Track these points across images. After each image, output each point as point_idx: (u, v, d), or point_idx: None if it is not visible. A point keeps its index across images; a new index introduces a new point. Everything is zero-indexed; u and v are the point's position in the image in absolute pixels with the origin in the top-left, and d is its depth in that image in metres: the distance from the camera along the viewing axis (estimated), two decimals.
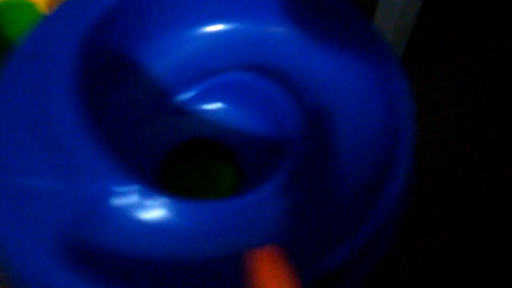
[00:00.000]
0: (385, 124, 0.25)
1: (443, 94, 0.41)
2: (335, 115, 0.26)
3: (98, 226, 0.23)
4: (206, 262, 0.22)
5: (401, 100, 0.24)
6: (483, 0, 0.44)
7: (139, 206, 0.23)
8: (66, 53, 0.25)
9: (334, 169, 0.24)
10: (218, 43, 0.29)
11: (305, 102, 0.27)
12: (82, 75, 0.26)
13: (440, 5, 0.45)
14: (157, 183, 0.27)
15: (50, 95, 0.24)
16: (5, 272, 0.22)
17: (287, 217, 0.23)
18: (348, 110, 0.26)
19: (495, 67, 0.41)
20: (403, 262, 0.34)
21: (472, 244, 0.34)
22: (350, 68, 0.27)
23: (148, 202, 0.23)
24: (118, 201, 0.23)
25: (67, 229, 0.22)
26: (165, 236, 0.23)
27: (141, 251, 0.22)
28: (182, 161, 0.28)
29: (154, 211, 0.23)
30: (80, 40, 0.26)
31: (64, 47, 0.26)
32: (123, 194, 0.23)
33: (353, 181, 0.24)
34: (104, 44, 0.27)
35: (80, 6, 0.27)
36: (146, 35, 0.28)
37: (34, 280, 0.21)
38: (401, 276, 0.33)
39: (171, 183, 0.28)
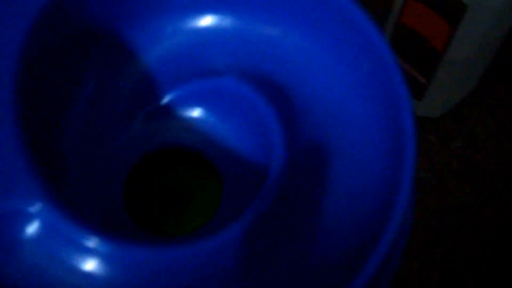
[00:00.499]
0: (385, 172, 0.21)
1: None
2: (329, 151, 0.22)
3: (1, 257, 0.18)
4: None
5: (408, 149, 0.20)
6: None
7: (57, 235, 0.18)
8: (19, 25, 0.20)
9: (317, 219, 0.21)
10: (208, 40, 0.25)
11: (297, 127, 0.23)
12: (32, 59, 0.21)
13: None
14: (120, 196, 0.22)
15: None
16: None
17: (250, 271, 0.19)
18: (345, 147, 0.22)
19: None
20: None
21: None
22: (354, 95, 0.23)
23: (66, 231, 0.18)
24: (30, 227, 0.18)
25: None
26: (86, 280, 0.18)
27: None
28: (157, 170, 0.25)
29: (75, 245, 0.18)
30: (40, 12, 0.21)
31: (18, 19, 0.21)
32: (35, 216, 0.18)
33: (339, 237, 0.20)
34: (70, 26, 0.22)
35: None
36: (125, 25, 0.24)
37: None
38: None
39: (147, 193, 0.25)
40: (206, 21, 0.25)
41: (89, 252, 0.18)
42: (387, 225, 0.18)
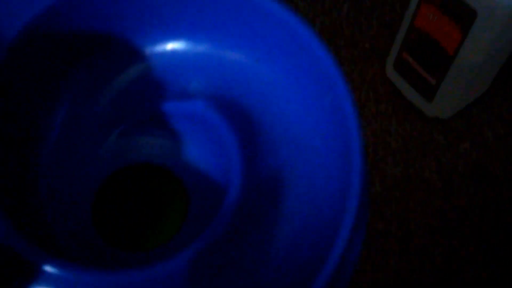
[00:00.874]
0: (335, 201, 0.21)
1: None
2: (286, 176, 0.23)
3: None
4: None
5: (353, 183, 0.20)
6: None
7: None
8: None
9: (268, 242, 0.21)
10: (181, 63, 0.26)
11: (257, 152, 0.24)
12: (12, 75, 0.21)
13: None
14: (87, 211, 0.23)
15: None
16: None
17: None
18: (301, 174, 0.23)
19: None
20: None
21: None
22: (313, 127, 0.24)
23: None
24: None
25: None
26: None
27: None
28: (126, 186, 0.26)
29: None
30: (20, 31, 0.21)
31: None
32: None
33: (289, 257, 0.21)
34: (48, 46, 0.23)
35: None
36: (102, 47, 0.25)
37: None
38: None
39: (119, 209, 0.25)
40: (181, 45, 0.26)
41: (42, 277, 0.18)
42: (330, 255, 0.19)
